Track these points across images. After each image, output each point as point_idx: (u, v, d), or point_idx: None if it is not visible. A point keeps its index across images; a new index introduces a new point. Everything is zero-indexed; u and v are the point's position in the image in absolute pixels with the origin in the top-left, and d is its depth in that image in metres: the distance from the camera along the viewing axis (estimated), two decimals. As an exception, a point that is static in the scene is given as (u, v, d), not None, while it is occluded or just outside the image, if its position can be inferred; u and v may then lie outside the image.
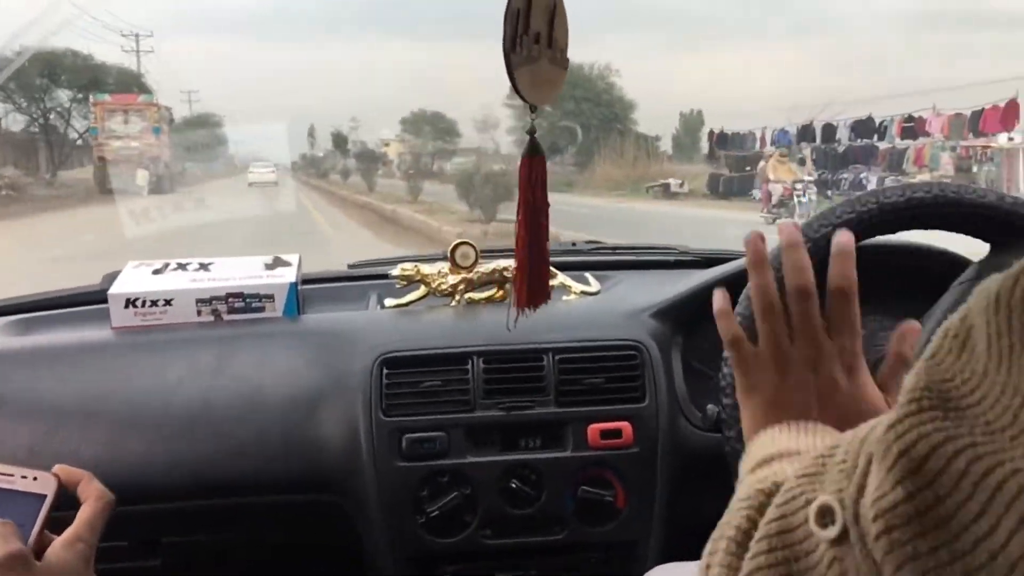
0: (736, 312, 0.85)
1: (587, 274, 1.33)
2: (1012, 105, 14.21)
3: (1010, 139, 14.18)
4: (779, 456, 0.55)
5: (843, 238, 0.60)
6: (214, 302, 1.17)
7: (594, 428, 1.06)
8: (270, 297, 1.18)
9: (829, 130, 18.24)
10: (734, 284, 0.89)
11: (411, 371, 1.07)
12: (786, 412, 0.59)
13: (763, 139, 19.87)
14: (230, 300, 1.18)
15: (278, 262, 1.26)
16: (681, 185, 20.34)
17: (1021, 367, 0.29)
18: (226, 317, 1.18)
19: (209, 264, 1.25)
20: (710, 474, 1.00)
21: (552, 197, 0.82)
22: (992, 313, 0.31)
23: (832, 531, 0.36)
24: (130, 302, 1.16)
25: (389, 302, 1.25)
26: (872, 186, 14.44)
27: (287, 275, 1.21)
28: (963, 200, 0.82)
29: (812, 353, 0.59)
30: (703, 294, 1.16)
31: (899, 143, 16.27)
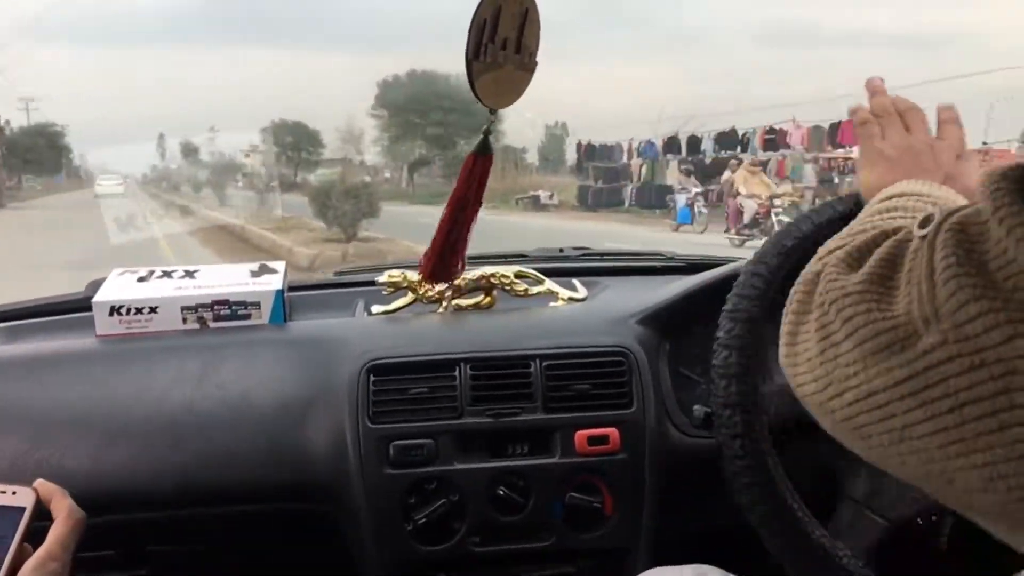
0: (728, 309, 0.86)
1: (574, 280, 1.33)
2: (868, 117, 14.56)
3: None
4: (908, 194, 0.68)
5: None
6: (200, 309, 1.17)
7: (581, 434, 1.06)
8: (256, 304, 1.18)
9: (694, 142, 18.53)
10: (720, 290, 0.90)
11: (398, 378, 1.06)
12: (910, 173, 0.72)
13: (630, 150, 20.14)
14: (216, 307, 1.17)
15: (264, 269, 1.26)
16: (551, 197, 20.35)
17: None
18: (212, 324, 1.17)
19: (194, 271, 1.25)
20: (698, 480, 1.01)
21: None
22: None
23: (923, 231, 0.45)
24: (115, 310, 1.15)
25: (376, 309, 1.25)
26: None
27: (273, 282, 1.21)
28: None
29: (927, 139, 0.76)
30: (689, 300, 1.16)
31: (762, 154, 16.52)
